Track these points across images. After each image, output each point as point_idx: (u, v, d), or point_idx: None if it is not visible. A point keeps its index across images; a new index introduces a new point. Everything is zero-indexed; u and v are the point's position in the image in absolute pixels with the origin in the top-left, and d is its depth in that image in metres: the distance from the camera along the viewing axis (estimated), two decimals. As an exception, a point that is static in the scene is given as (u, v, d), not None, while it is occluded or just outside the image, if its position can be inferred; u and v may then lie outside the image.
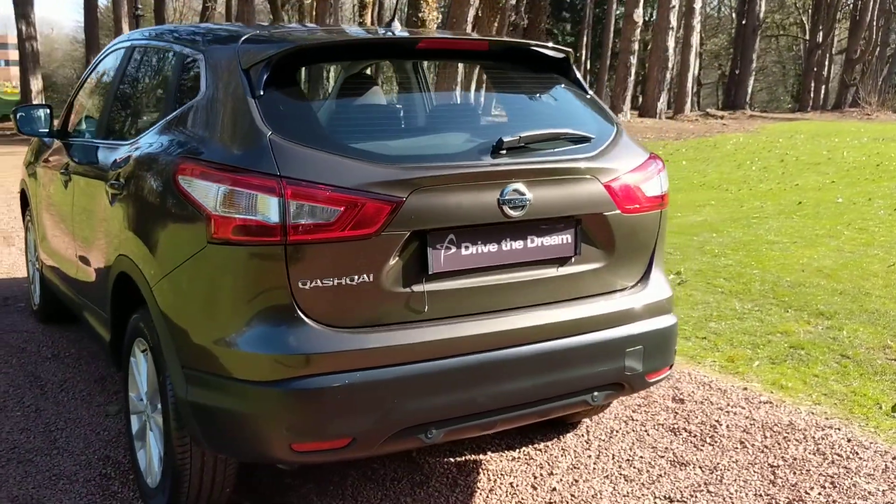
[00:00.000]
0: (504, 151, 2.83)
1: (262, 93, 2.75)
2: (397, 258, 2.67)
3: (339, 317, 2.63)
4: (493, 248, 2.83)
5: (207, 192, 2.63)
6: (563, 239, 2.95)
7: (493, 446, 3.80)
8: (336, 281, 2.59)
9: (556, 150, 2.98)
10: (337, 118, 3.01)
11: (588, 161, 2.99)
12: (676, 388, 4.46)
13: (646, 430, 3.95)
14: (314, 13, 23.62)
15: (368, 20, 24.63)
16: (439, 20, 20.28)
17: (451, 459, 3.66)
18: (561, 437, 3.89)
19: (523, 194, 2.80)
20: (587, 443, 3.83)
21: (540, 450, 3.77)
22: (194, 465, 2.92)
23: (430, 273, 2.71)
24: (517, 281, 2.89)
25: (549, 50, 3.32)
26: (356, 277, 2.61)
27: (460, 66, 10.53)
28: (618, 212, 3.03)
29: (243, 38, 3.01)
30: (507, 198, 2.77)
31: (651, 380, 3.16)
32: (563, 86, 3.35)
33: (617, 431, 3.94)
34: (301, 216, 2.54)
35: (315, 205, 2.55)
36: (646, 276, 3.18)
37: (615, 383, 3.06)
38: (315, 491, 3.39)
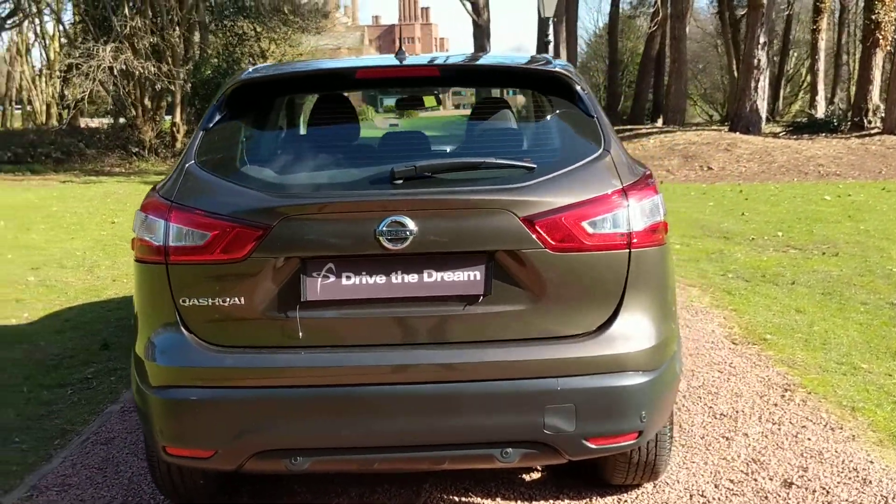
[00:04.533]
0: (400, 182, 2.72)
1: (209, 125, 3.04)
2: (270, 283, 2.72)
3: (216, 335, 2.78)
4: (380, 279, 2.72)
5: (137, 218, 2.91)
6: (470, 276, 2.71)
7: (512, 491, 3.50)
8: (211, 301, 2.74)
9: (465, 181, 2.77)
10: (249, 148, 3.09)
11: (502, 193, 2.70)
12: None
13: None
14: (745, 23, 23.71)
15: (823, 25, 25.27)
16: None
17: (456, 498, 3.49)
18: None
19: (404, 226, 2.65)
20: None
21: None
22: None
23: (304, 300, 2.71)
24: (412, 316, 2.74)
25: (530, 69, 3.19)
26: (228, 299, 2.73)
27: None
28: (544, 250, 2.70)
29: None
30: (383, 229, 2.66)
31: (595, 446, 2.76)
32: (546, 105, 3.16)
33: None
34: (180, 239, 2.74)
35: (190, 228, 2.74)
36: (606, 325, 2.78)
37: (534, 442, 2.72)
38: None
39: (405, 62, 3.11)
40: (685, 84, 27.50)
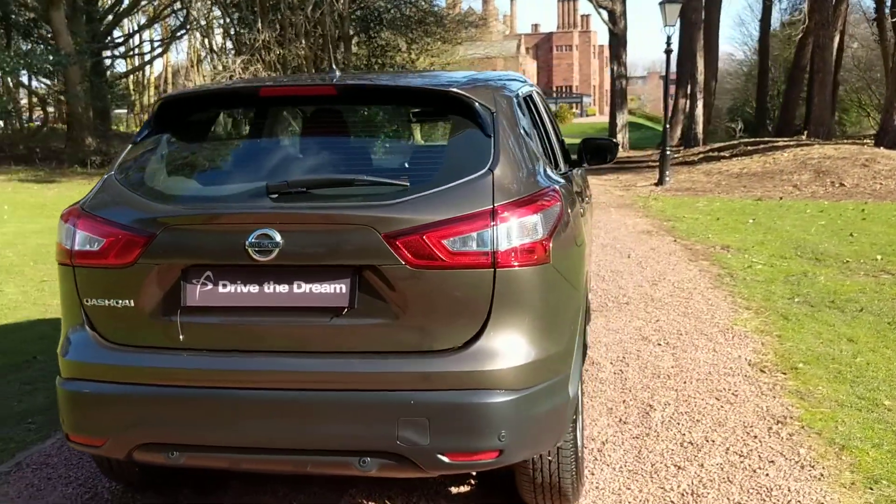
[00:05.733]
0: (275, 196, 2.86)
1: (137, 139, 3.31)
2: (156, 288, 2.92)
3: (113, 333, 3.00)
4: (253, 289, 2.85)
5: (59, 224, 3.13)
6: (336, 289, 2.80)
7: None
8: (108, 302, 2.98)
9: (337, 197, 2.88)
10: (157, 162, 3.29)
11: (366, 210, 2.78)
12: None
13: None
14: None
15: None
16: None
17: None
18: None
19: (271, 239, 2.77)
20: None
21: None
22: None
23: (184, 305, 2.88)
24: (282, 325, 2.86)
25: (426, 89, 3.24)
26: (121, 301, 2.95)
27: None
28: (404, 266, 2.74)
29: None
30: (252, 241, 2.78)
31: (451, 461, 2.77)
32: (443, 124, 3.22)
33: None
34: (83, 244, 2.99)
35: (89, 234, 2.99)
36: (471, 342, 2.78)
37: (389, 453, 2.77)
38: None
39: (306, 82, 3.24)
40: (829, 96, 25.99)
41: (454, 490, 3.65)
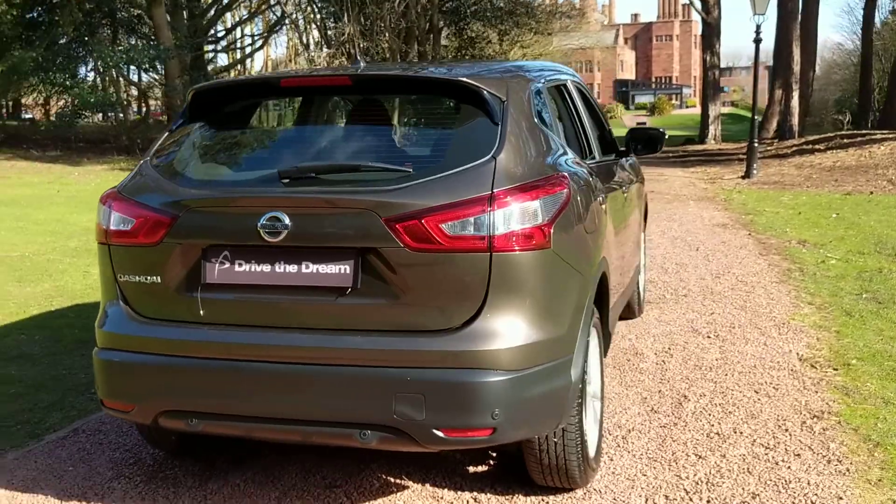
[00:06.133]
0: (286, 181, 3.03)
1: (173, 128, 3.58)
2: (180, 266, 3.13)
3: (144, 307, 3.24)
4: (266, 268, 3.03)
5: (98, 206, 3.40)
6: (341, 269, 2.95)
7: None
8: (138, 278, 3.21)
9: (345, 182, 3.04)
10: (188, 149, 3.49)
11: (368, 195, 2.92)
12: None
13: None
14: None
15: None
16: None
17: (392, 479, 3.74)
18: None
19: (281, 221, 2.93)
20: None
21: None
22: None
23: (205, 282, 3.09)
24: (292, 303, 3.03)
25: (434, 78, 3.34)
26: (150, 277, 3.18)
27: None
28: (404, 249, 2.86)
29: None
30: (263, 223, 2.95)
31: (447, 437, 2.88)
32: (451, 112, 3.31)
33: None
34: (118, 224, 3.24)
35: (122, 215, 3.23)
36: (468, 322, 2.89)
37: (387, 427, 2.90)
38: None
39: (323, 73, 3.40)
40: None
41: (472, 469, 3.76)
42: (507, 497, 3.50)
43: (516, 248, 2.90)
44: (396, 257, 2.89)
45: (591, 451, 3.51)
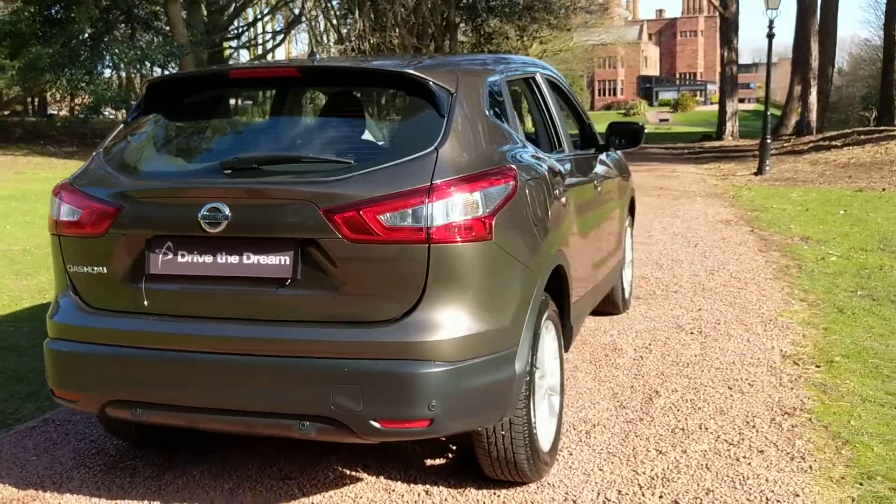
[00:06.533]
0: (229, 171, 3.05)
1: (128, 120, 3.59)
2: (125, 256, 3.15)
3: (91, 298, 3.26)
4: (208, 259, 3.04)
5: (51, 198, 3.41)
6: (280, 260, 2.95)
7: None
8: (86, 269, 3.21)
9: (285, 173, 3.04)
10: (137, 140, 3.50)
11: (307, 186, 2.92)
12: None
13: None
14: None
15: None
16: None
17: (348, 472, 3.73)
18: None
19: (220, 212, 2.95)
20: None
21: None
22: None
23: (149, 273, 3.10)
24: (233, 294, 3.03)
25: (382, 71, 3.35)
26: (96, 268, 3.20)
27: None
28: (342, 240, 2.86)
29: None
30: (204, 213, 2.96)
31: (384, 427, 2.87)
32: (398, 104, 3.33)
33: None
34: (66, 215, 3.25)
35: (71, 206, 3.24)
36: (408, 314, 2.88)
37: (326, 418, 2.89)
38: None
39: (272, 65, 3.40)
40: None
41: (428, 462, 3.75)
42: (459, 490, 3.49)
43: (456, 239, 2.89)
44: (335, 248, 2.89)
45: (545, 446, 3.49)
